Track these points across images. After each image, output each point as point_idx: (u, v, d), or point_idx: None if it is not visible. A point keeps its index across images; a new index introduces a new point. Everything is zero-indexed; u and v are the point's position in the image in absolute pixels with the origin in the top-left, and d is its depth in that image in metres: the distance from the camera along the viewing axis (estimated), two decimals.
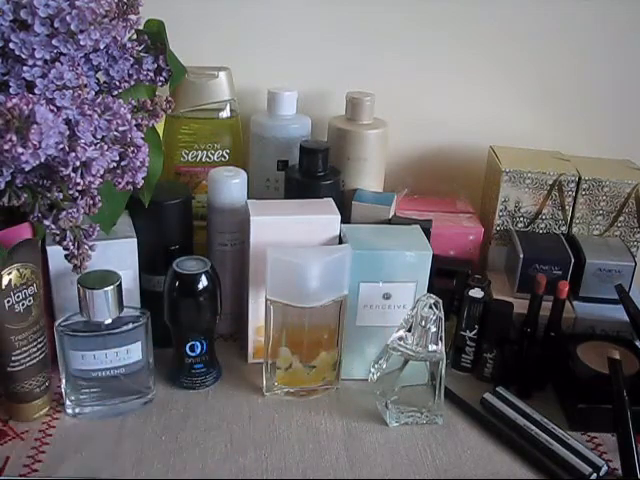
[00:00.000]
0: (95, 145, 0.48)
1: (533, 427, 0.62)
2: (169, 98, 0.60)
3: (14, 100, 0.46)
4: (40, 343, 0.60)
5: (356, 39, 0.83)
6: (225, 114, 0.78)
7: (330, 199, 0.69)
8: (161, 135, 0.75)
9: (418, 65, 0.85)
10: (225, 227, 0.70)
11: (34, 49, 0.49)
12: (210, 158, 0.78)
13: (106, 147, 0.49)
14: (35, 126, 0.45)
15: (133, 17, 0.57)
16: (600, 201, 0.77)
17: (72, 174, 0.47)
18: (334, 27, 0.83)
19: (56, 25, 0.48)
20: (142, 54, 0.61)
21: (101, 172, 0.48)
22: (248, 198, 0.72)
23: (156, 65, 0.62)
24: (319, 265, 0.61)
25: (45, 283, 0.62)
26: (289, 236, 0.64)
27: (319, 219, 0.67)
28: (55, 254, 0.60)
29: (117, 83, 0.59)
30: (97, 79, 0.59)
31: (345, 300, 0.64)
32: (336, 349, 0.66)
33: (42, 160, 0.47)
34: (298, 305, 0.62)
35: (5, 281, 0.56)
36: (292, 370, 0.65)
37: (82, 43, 0.49)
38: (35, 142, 0.45)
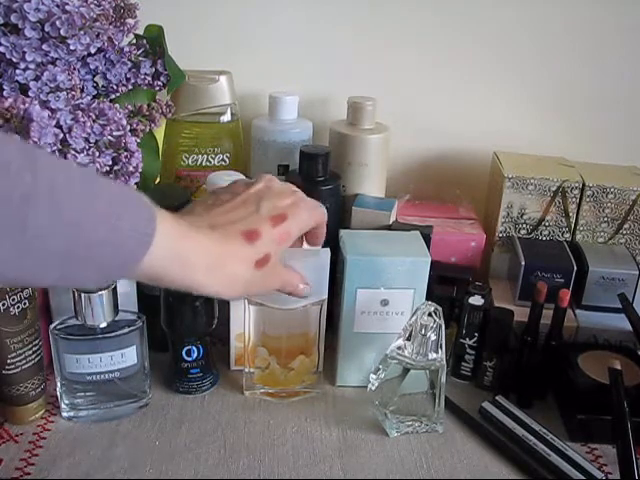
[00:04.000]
0: (87, 151, 0.49)
1: (532, 437, 0.61)
2: (169, 102, 0.61)
3: (10, 100, 0.46)
4: (36, 346, 0.60)
5: (358, 43, 0.83)
6: (226, 118, 0.78)
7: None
8: (162, 139, 0.75)
9: (420, 70, 0.85)
10: None
11: (25, 52, 0.49)
12: (211, 162, 0.78)
13: (98, 153, 0.49)
14: (34, 124, 0.46)
15: (131, 21, 0.57)
16: (605, 208, 0.76)
17: None
18: (336, 31, 0.83)
19: (47, 29, 0.48)
20: (140, 58, 0.61)
21: None
22: None
23: (154, 69, 0.62)
24: (297, 267, 0.59)
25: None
26: None
27: None
28: None
29: (114, 87, 0.59)
30: (95, 82, 0.60)
31: (325, 304, 0.64)
32: (316, 354, 0.66)
33: None
34: (275, 306, 0.62)
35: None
36: (269, 371, 0.65)
37: (72, 47, 0.49)
38: (35, 139, 0.46)
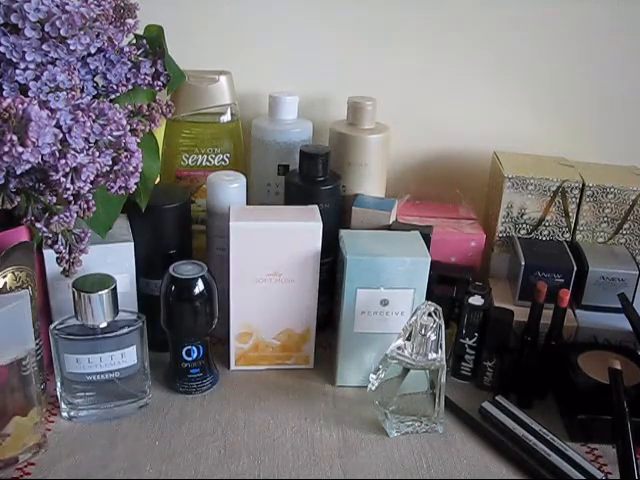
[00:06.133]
0: (87, 151, 0.48)
1: (531, 437, 0.61)
2: (169, 102, 0.61)
3: (9, 100, 0.46)
4: (36, 346, 0.60)
5: (358, 43, 0.83)
6: (226, 118, 0.78)
7: (315, 206, 0.68)
8: (162, 139, 0.75)
9: (421, 69, 0.84)
10: (224, 231, 0.70)
11: (24, 52, 0.49)
12: (211, 162, 0.78)
13: (98, 153, 0.49)
14: (32, 123, 0.46)
15: (131, 21, 0.57)
16: (605, 208, 0.76)
17: (62, 179, 0.48)
18: (336, 31, 0.83)
19: (46, 29, 0.48)
20: (140, 58, 0.61)
21: (91, 178, 0.48)
22: (248, 202, 0.72)
23: (154, 69, 0.62)
24: None
25: (42, 286, 0.63)
26: (269, 243, 0.65)
27: (300, 226, 0.66)
28: (51, 257, 0.60)
29: (114, 87, 0.59)
30: (95, 82, 0.60)
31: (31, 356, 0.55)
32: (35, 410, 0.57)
33: (39, 159, 0.47)
34: None
35: (0, 284, 0.56)
36: None
37: (72, 48, 0.49)
38: (34, 139, 0.46)
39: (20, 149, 0.46)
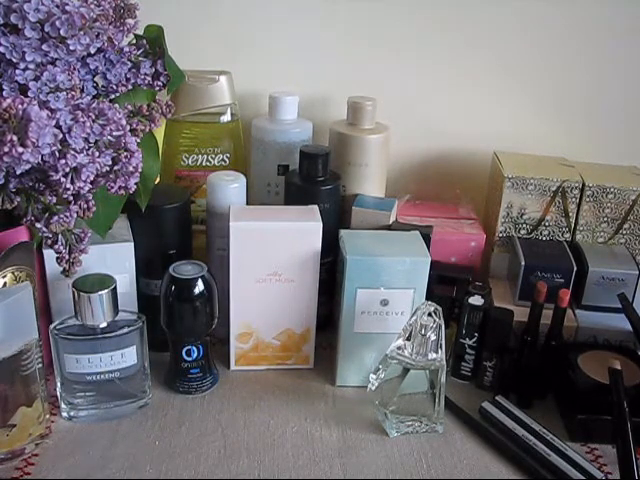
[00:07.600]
0: (87, 151, 0.49)
1: (532, 437, 0.61)
2: (169, 102, 0.61)
3: (9, 100, 0.46)
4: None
5: (358, 44, 0.83)
6: (226, 118, 0.78)
7: (315, 206, 0.68)
8: (162, 139, 0.75)
9: (421, 70, 0.85)
10: (224, 232, 0.70)
11: (24, 52, 0.49)
12: (210, 162, 0.78)
13: (97, 153, 0.49)
14: (32, 124, 0.46)
15: (130, 21, 0.57)
16: (605, 208, 0.76)
17: (62, 179, 0.48)
18: (336, 32, 0.83)
19: (46, 29, 0.48)
20: (140, 58, 0.61)
21: (91, 178, 0.49)
22: (248, 202, 0.72)
23: (154, 69, 0.62)
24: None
25: (42, 286, 0.63)
26: (269, 243, 0.65)
27: (300, 226, 0.66)
28: (51, 257, 0.60)
29: (114, 87, 0.59)
30: (95, 82, 0.60)
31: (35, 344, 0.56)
32: (38, 401, 0.58)
33: (39, 159, 0.47)
34: None
35: (0, 284, 0.56)
36: None
37: (72, 48, 0.49)
38: (34, 139, 0.46)
39: (20, 149, 0.46)
